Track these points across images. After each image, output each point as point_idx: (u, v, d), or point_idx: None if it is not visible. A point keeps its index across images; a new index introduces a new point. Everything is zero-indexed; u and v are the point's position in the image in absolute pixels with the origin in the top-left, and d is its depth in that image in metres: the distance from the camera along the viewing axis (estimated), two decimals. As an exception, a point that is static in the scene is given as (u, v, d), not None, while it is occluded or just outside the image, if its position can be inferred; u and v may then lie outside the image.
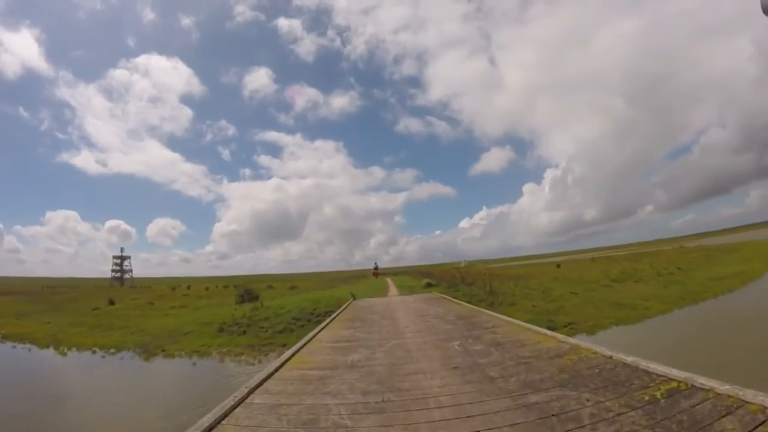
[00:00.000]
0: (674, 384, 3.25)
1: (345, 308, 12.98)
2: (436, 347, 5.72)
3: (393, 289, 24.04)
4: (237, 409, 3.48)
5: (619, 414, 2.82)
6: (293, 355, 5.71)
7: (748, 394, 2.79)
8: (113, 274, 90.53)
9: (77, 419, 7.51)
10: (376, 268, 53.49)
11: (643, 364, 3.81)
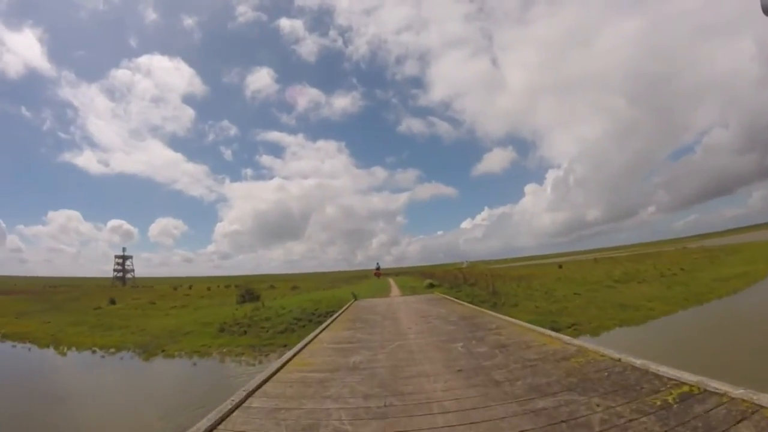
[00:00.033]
0: (686, 388, 3.14)
1: (346, 309, 12.90)
2: (439, 349, 5.62)
3: (395, 290, 23.99)
4: (234, 413, 3.37)
5: (630, 420, 2.71)
6: (293, 356, 5.62)
7: (764, 399, 2.69)
8: (115, 273, 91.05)
9: (77, 419, 7.48)
10: (378, 269, 53.66)
11: (653, 367, 3.70)
